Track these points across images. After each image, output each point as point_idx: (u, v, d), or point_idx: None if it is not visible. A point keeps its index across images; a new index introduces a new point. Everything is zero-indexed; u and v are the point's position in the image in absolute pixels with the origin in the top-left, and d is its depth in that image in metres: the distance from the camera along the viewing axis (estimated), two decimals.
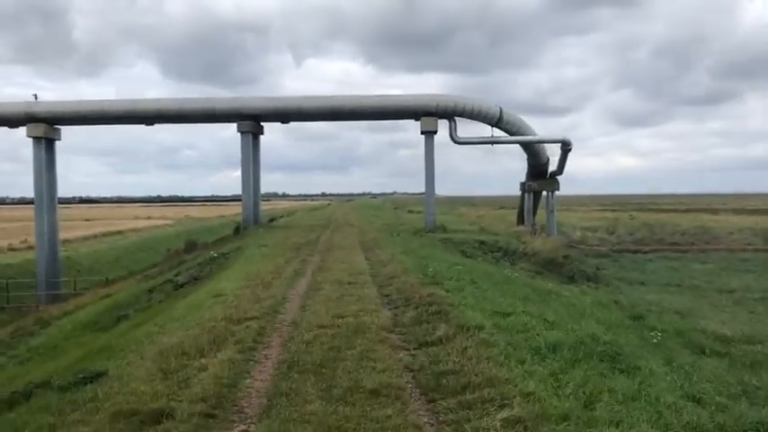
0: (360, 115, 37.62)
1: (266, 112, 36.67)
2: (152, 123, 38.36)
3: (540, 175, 41.43)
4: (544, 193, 42.77)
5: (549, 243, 30.57)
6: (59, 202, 39.97)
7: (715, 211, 79.28)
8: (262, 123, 38.56)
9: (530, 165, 41.53)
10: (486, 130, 37.00)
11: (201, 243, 37.18)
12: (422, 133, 36.77)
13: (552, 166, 40.92)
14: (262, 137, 39.35)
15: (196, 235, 75.93)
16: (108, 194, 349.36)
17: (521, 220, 44.38)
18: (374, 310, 9.67)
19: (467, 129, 37.71)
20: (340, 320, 8.94)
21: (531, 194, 42.48)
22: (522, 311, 10.05)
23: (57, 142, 38.34)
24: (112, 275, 50.29)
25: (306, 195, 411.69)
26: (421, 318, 9.13)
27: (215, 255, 20.81)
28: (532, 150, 39.27)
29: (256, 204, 38.60)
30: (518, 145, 38.92)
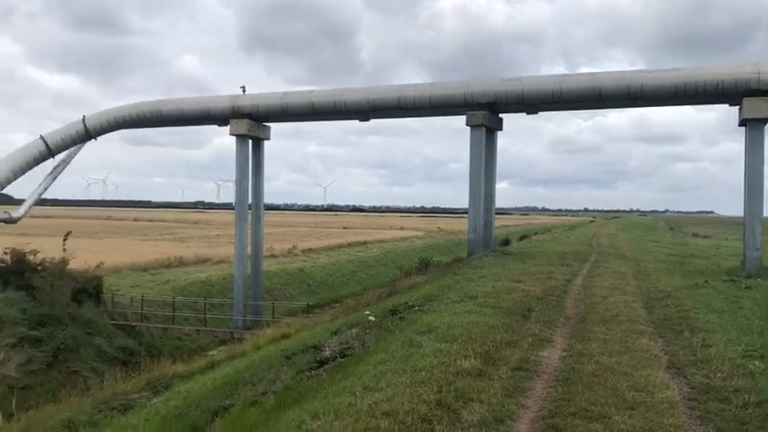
0: (653, 98, 25.85)
1: (499, 97, 26.88)
2: (367, 119, 31.08)
3: None
4: None
5: None
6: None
7: None
8: (500, 115, 28.93)
9: None
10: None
11: (435, 262, 31.26)
12: (740, 124, 24.37)
13: None
14: (500, 133, 29.70)
15: (437, 251, 69.24)
16: (378, 204, 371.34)
17: None
18: None
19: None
20: None
21: None
22: None
23: (265, 142, 33.00)
24: (344, 292, 45.32)
25: (566, 210, 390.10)
26: None
27: (372, 318, 11.60)
28: None
29: (488, 223, 28.76)
30: None
